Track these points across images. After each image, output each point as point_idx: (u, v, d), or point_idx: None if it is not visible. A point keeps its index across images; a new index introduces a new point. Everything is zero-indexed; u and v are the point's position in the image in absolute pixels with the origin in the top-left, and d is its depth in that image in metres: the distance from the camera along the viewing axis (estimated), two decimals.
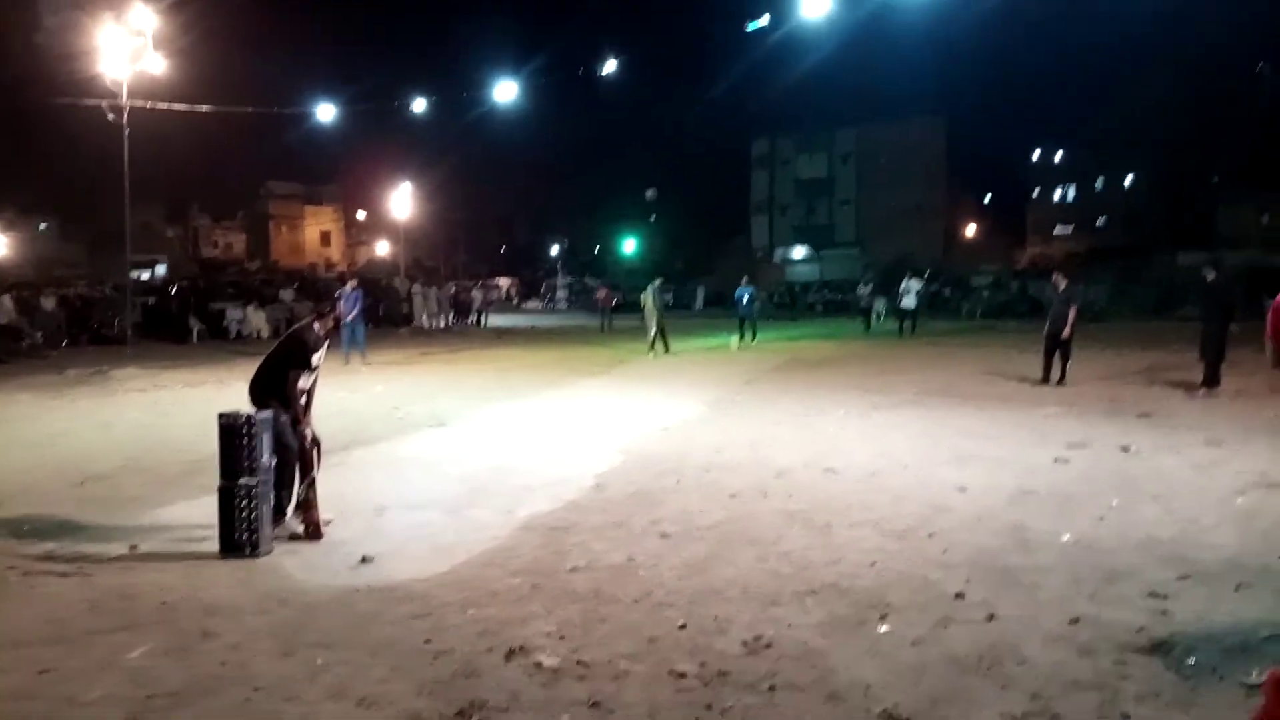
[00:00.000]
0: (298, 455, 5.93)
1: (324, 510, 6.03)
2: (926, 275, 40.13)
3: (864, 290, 29.04)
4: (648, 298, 19.90)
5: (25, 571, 5.24)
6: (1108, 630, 4.28)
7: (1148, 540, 5.68)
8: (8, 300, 22.43)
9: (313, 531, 5.86)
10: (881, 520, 6.17)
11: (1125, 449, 8.47)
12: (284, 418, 5.84)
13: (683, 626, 4.36)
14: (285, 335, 6.52)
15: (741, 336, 21.53)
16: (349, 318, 16.90)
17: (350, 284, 19.04)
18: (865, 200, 60.21)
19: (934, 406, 11.45)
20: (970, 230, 62.42)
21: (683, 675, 3.85)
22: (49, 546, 5.72)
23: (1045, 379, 13.29)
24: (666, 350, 19.43)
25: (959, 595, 4.76)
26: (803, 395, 12.74)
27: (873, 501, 6.69)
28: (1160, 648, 4.08)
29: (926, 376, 14.86)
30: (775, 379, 14.93)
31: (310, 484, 5.92)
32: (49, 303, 24.20)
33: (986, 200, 65.77)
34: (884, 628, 4.35)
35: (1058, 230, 59.94)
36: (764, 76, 65.66)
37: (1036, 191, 62.83)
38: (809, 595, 4.77)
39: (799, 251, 63.05)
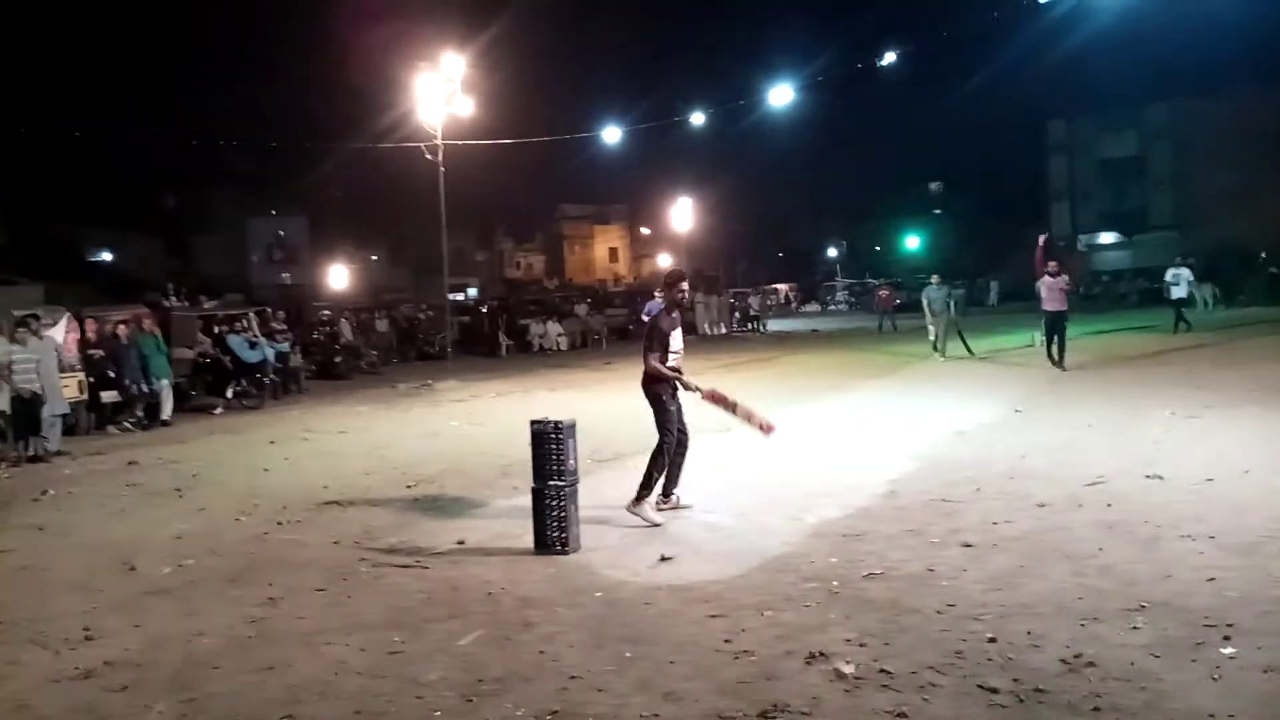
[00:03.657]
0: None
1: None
2: (1262, 258, 35.54)
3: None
4: (927, 297, 18.92)
5: (373, 564, 5.91)
6: None
7: None
8: (347, 323, 25.42)
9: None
10: (1219, 533, 5.52)
11: None
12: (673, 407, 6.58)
13: (992, 640, 4.13)
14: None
15: (1178, 327, 20.36)
16: None
17: (657, 294, 19.62)
18: (1184, 180, 54.22)
19: (1277, 406, 10.08)
20: None
21: (994, 690, 3.65)
22: (390, 541, 6.42)
23: None
24: (970, 352, 18.18)
25: None
26: (1119, 395, 11.69)
27: (1207, 512, 6.00)
28: None
29: (1267, 371, 13.13)
30: (1085, 378, 13.79)
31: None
32: (381, 324, 27.21)
33: None
34: (1228, 650, 3.89)
35: None
36: (1057, 54, 60.96)
37: None
38: (1136, 612, 4.36)
39: (1107, 238, 57.92)
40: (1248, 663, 3.77)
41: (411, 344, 27.46)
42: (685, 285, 7.02)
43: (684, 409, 6.82)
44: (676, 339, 6.73)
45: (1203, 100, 51.44)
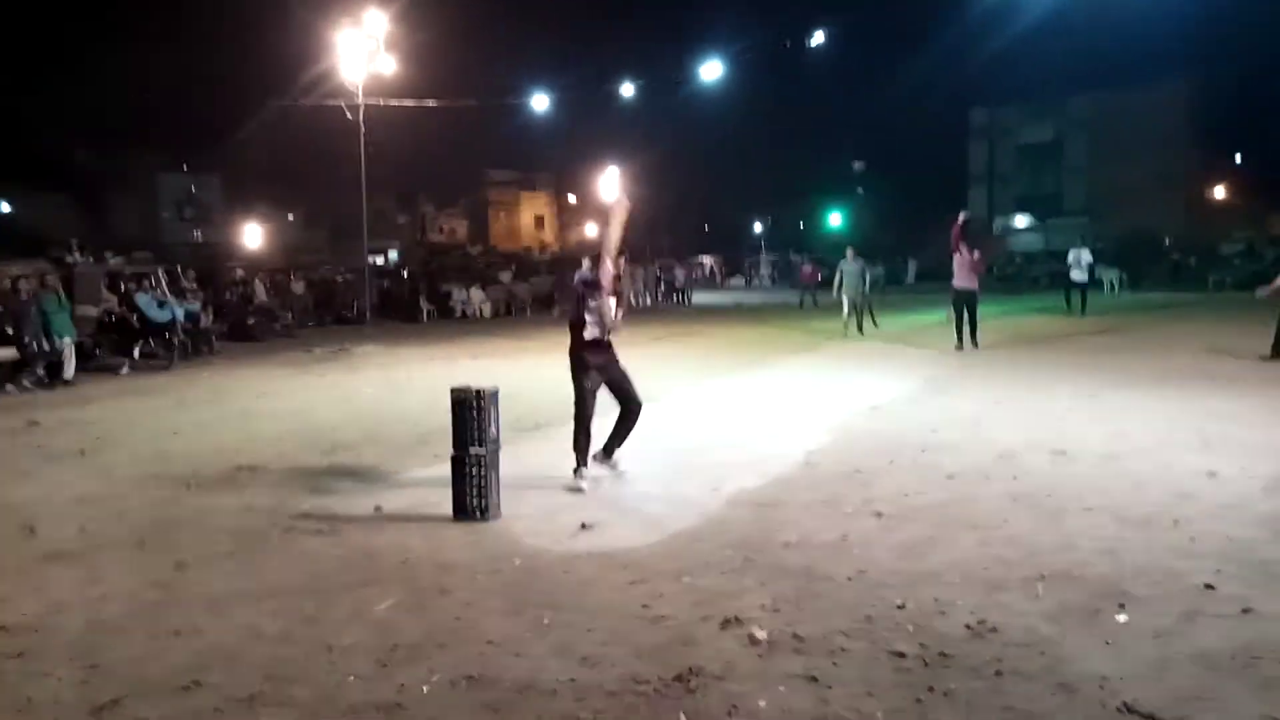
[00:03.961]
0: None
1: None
2: (1167, 245, 36.98)
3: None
4: (840, 272, 18.50)
5: (286, 529, 5.79)
6: None
7: None
8: (261, 284, 24.74)
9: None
10: (1119, 506, 5.77)
11: None
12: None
13: (901, 606, 4.26)
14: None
15: (1071, 304, 20.70)
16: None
17: (586, 263, 19.40)
18: (1098, 168, 56.03)
19: (1178, 385, 10.55)
20: (1219, 195, 56.78)
21: (902, 655, 3.76)
22: (304, 507, 6.30)
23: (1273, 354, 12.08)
24: (875, 325, 18.50)
25: (1208, 587, 4.39)
26: (1026, 373, 12.09)
27: (1109, 486, 6.26)
28: None
29: (1168, 353, 13.74)
30: (995, 356, 14.22)
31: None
32: (298, 286, 26.54)
33: (1238, 160, 59.49)
34: (1122, 618, 4.08)
35: None
36: (982, 43, 62.21)
37: None
38: (1038, 581, 4.53)
39: (1022, 221, 59.60)
40: (1139, 629, 3.96)
41: (329, 307, 26.86)
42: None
43: (629, 377, 6.87)
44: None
45: (1118, 93, 53.14)
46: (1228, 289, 31.32)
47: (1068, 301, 21.93)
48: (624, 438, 6.94)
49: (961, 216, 14.87)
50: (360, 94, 20.64)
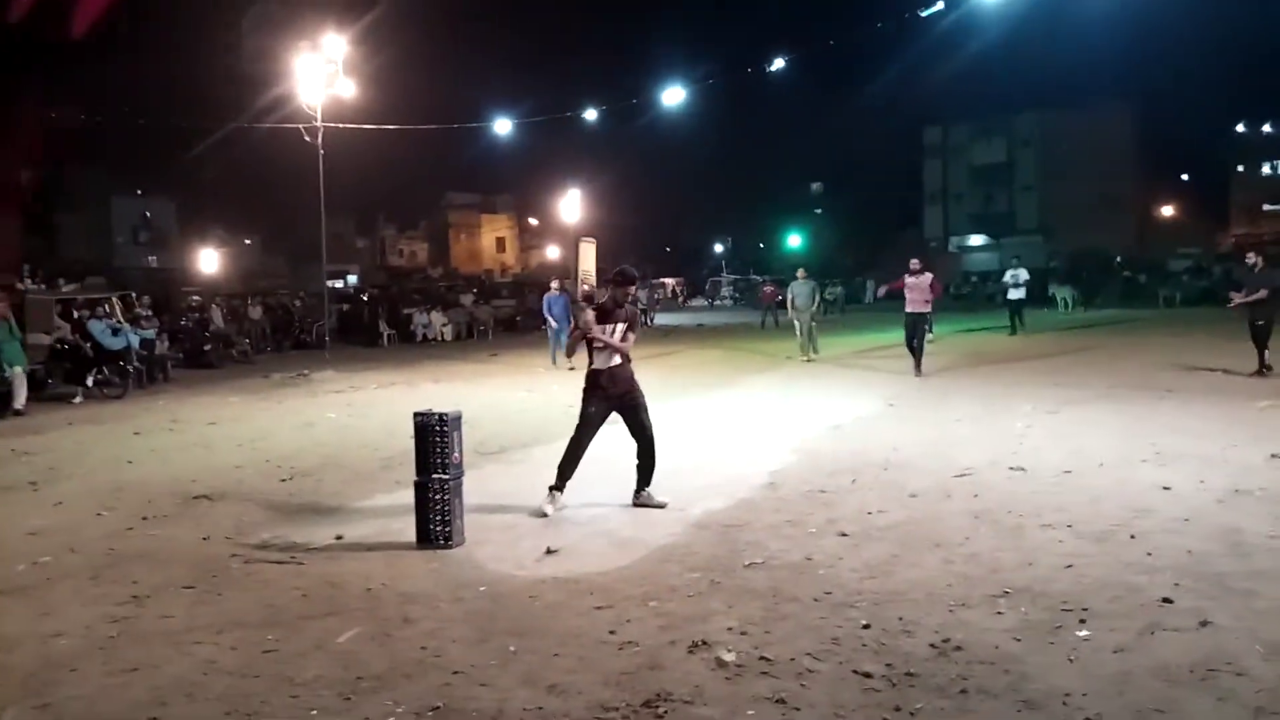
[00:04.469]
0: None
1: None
2: (1117, 262, 37.74)
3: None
4: (791, 293, 18.02)
5: (245, 560, 5.70)
6: None
7: None
8: (218, 310, 24.42)
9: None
10: (1077, 522, 5.85)
11: None
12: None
13: (866, 627, 4.28)
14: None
15: (1013, 328, 20.82)
16: (555, 320, 17.65)
17: (555, 285, 19.04)
18: (1049, 187, 57.23)
19: (1131, 401, 10.76)
20: (1167, 212, 58.19)
21: (868, 675, 3.78)
22: (264, 537, 6.20)
23: (1261, 369, 12.32)
24: (815, 351, 17.65)
25: (1166, 601, 4.46)
26: (984, 391, 12.25)
27: (1067, 502, 6.35)
28: None
29: (1121, 369, 14.01)
30: (953, 375, 14.40)
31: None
32: (255, 311, 26.21)
33: (1184, 179, 61.08)
34: (1083, 633, 4.13)
35: (1267, 208, 54.97)
36: (935, 63, 63.42)
37: (1241, 168, 57.85)
38: (1000, 598, 4.58)
39: (976, 239, 60.59)
40: (1100, 644, 4.01)
41: (287, 333, 26.55)
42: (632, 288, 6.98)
43: (644, 410, 6.78)
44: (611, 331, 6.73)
45: (1068, 112, 54.43)
46: (1178, 305, 32.04)
47: (1014, 321, 22.08)
48: (647, 474, 6.76)
49: (913, 264, 14.50)
50: (319, 117, 20.53)
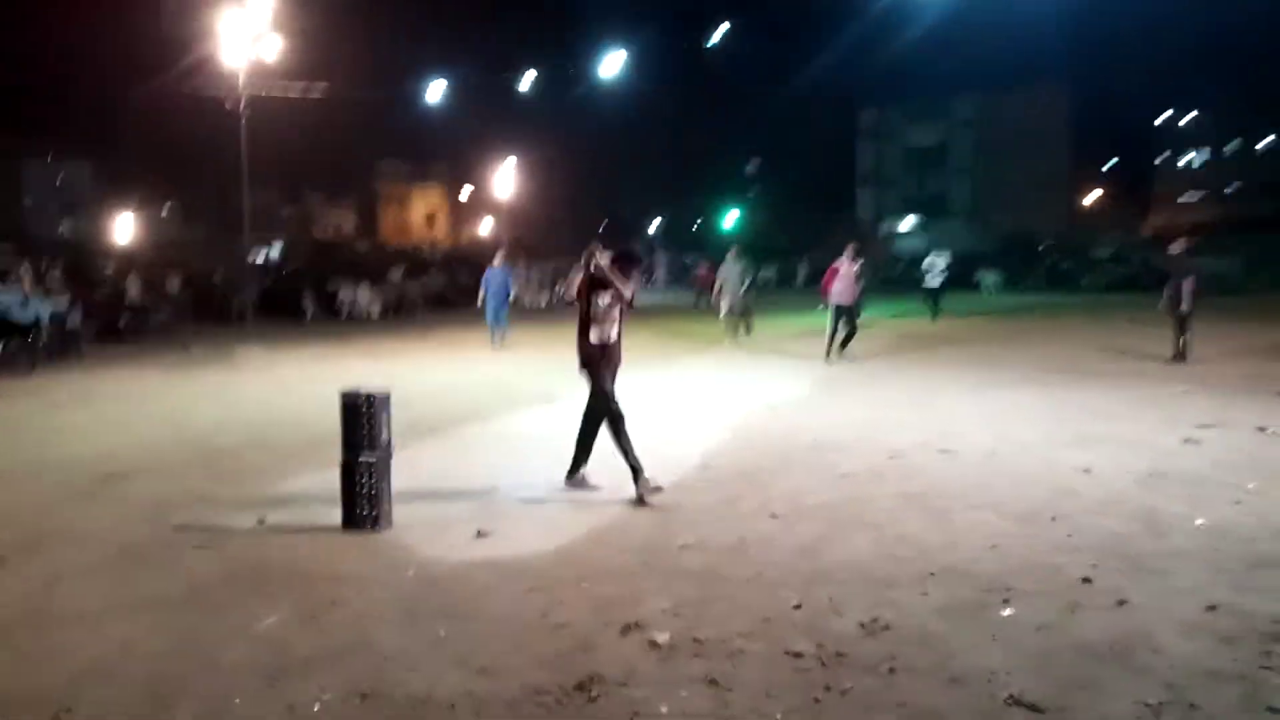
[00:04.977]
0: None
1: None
2: (1043, 247, 38.65)
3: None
4: (724, 272, 17.55)
5: (165, 541, 5.52)
6: (1248, 619, 4.06)
7: None
8: (135, 281, 23.58)
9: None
10: (1002, 503, 5.99)
11: (1262, 429, 8.03)
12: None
13: (798, 607, 4.32)
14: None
15: (932, 312, 20.95)
16: (494, 296, 16.71)
17: (498, 258, 18.20)
18: (982, 170, 58.17)
19: (1055, 384, 11.05)
20: (1093, 199, 59.81)
21: (799, 655, 3.81)
22: (184, 517, 6.01)
23: (1178, 355, 12.72)
24: (748, 333, 17.58)
25: (1086, 580, 4.58)
26: (915, 373, 12.47)
27: (992, 484, 6.50)
28: None
29: (1046, 353, 14.38)
30: (885, 357, 14.63)
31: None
32: (174, 283, 25.37)
33: (1112, 166, 62.80)
34: (1007, 612, 4.22)
35: (1185, 198, 56.91)
36: (872, 45, 63.99)
37: (1163, 157, 59.70)
38: (927, 578, 4.66)
39: (908, 223, 61.42)
40: (1023, 623, 4.11)
41: (208, 305, 25.79)
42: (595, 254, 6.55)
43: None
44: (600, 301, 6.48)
45: (1001, 96, 55.30)
46: (1100, 291, 32.98)
47: (933, 307, 22.15)
48: (584, 456, 6.62)
49: (848, 250, 14.23)
50: (243, 80, 19.86)
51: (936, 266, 22.36)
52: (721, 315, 17.51)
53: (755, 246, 22.24)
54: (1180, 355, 12.69)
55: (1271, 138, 52.66)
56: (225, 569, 5.01)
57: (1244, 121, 52.40)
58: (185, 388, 12.52)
